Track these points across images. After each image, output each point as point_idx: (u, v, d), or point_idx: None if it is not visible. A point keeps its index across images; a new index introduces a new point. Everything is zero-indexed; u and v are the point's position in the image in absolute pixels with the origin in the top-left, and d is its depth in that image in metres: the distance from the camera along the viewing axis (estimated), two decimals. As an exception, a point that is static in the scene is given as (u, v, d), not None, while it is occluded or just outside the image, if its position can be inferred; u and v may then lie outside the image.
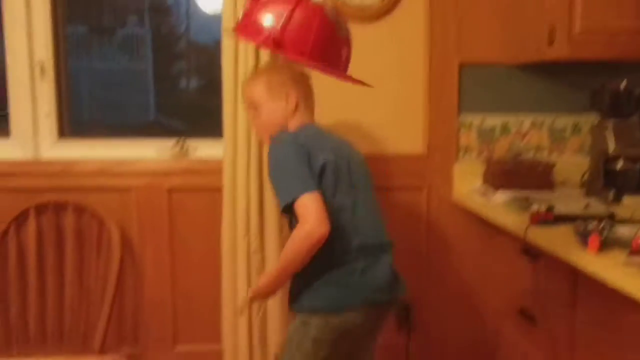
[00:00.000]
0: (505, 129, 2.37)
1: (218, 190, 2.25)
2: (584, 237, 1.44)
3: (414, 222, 2.40)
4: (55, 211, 2.26)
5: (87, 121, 2.64)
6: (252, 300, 1.77)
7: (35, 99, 2.35)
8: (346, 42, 1.67)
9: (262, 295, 1.67)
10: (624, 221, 1.61)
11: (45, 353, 2.16)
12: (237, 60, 2.17)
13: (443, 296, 2.41)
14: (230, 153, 2.22)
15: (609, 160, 2.04)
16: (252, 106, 1.75)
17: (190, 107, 2.69)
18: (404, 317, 1.93)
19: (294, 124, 1.70)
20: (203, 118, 2.59)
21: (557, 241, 1.54)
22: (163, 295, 2.41)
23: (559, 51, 1.95)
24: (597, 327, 1.45)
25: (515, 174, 2.16)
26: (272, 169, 1.58)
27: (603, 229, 1.47)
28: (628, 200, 1.81)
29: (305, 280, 1.58)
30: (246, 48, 2.15)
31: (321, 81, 1.82)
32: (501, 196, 2.08)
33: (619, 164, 2.02)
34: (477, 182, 2.31)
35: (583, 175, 2.21)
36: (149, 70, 2.73)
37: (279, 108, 1.70)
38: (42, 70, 2.34)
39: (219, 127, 2.27)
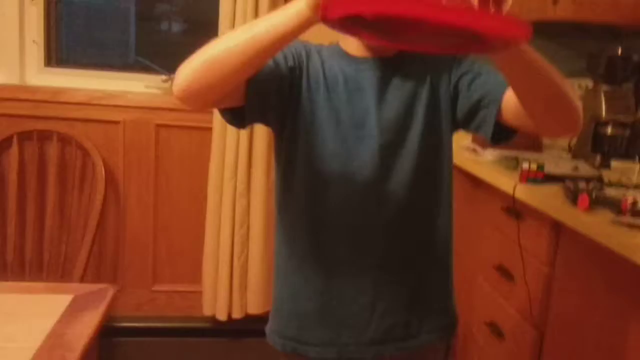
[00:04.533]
0: (500, 87, 2.36)
1: (208, 130, 2.23)
2: (573, 196, 1.46)
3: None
4: (39, 140, 2.22)
5: (69, 55, 2.55)
6: None
7: (23, 24, 2.28)
8: None
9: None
10: (611, 184, 1.64)
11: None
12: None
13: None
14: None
15: (599, 125, 2.06)
16: None
17: (172, 50, 2.57)
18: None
19: None
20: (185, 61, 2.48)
21: (546, 199, 1.55)
22: (145, 234, 2.40)
23: (563, 11, 1.94)
24: (574, 282, 1.48)
25: (505, 133, 2.15)
26: None
27: (592, 189, 1.49)
28: (615, 165, 1.83)
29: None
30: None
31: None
32: (490, 154, 2.09)
33: (609, 130, 2.04)
34: (467, 140, 2.31)
35: (571, 139, 2.22)
36: (131, 8, 2.64)
37: None
38: (32, -6, 2.26)
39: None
